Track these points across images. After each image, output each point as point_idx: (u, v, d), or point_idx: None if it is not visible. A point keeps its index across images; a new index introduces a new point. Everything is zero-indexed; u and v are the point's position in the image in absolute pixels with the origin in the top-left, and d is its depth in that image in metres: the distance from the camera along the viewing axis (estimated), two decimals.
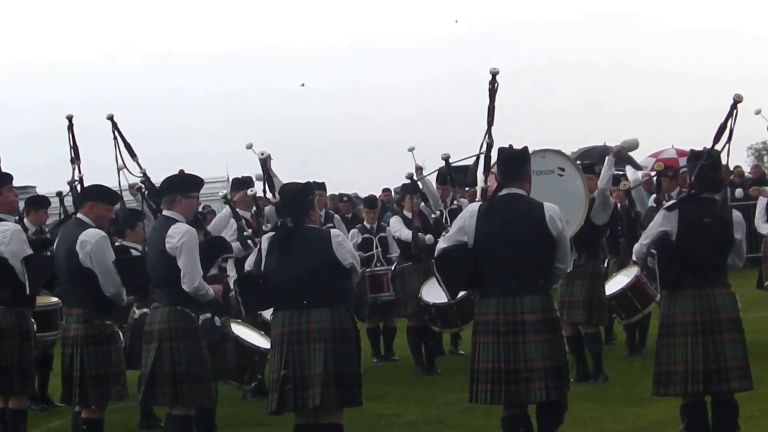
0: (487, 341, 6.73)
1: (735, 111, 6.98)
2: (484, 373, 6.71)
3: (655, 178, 11.29)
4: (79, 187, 8.73)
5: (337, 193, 19.63)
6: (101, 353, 7.76)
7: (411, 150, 11.80)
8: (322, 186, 13.27)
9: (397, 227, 12.06)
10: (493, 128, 8.29)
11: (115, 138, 8.07)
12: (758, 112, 6.95)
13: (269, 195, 7.46)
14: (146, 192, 8.39)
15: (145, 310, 8.43)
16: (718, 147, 7.12)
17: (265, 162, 8.71)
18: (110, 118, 8.14)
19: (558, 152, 9.73)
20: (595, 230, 10.42)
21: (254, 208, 10.60)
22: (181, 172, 7.75)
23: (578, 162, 10.50)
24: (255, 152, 9.42)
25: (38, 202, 10.85)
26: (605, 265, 11.80)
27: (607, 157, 10.41)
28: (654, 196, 11.94)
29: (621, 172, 17.38)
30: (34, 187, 20.22)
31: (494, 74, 8.06)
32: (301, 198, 7.25)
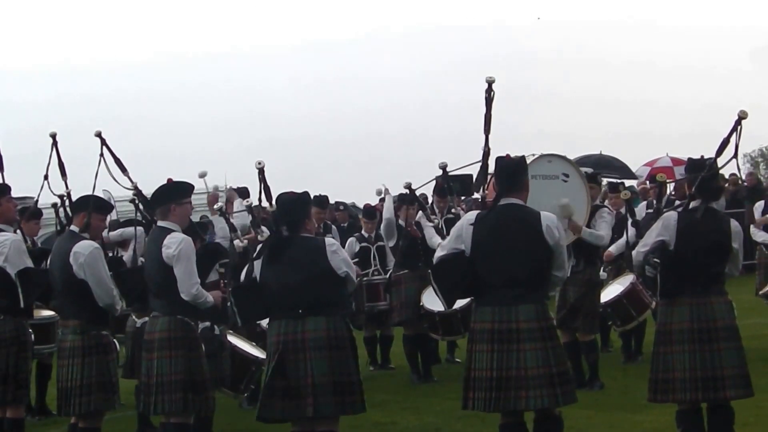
0: (483, 349, 6.74)
1: (740, 127, 6.98)
2: (480, 381, 6.72)
3: (648, 184, 11.29)
4: (67, 202, 8.75)
5: (333, 202, 19.61)
6: (97, 363, 7.79)
7: (380, 193, 11.86)
8: (324, 202, 13.25)
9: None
10: (490, 136, 8.29)
11: (102, 155, 8.10)
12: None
13: (265, 204, 7.49)
14: (139, 204, 8.39)
15: (146, 319, 8.46)
16: (720, 160, 7.13)
17: (262, 171, 8.76)
18: (98, 135, 8.18)
19: (564, 158, 9.74)
20: None
21: (250, 219, 10.63)
22: (170, 180, 7.78)
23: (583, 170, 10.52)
24: (205, 182, 9.68)
25: (32, 214, 10.87)
26: (602, 272, 11.84)
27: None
28: (644, 203, 11.97)
29: (620, 180, 17.48)
30: (32, 198, 20.17)
31: (490, 83, 8.08)
32: (298, 206, 7.28)
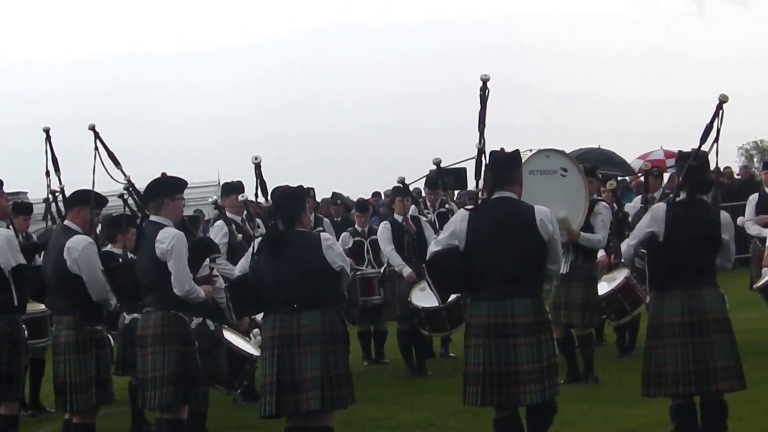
0: (479, 344, 6.74)
1: (721, 111, 6.98)
2: (476, 376, 6.73)
3: (642, 179, 11.27)
4: (60, 197, 8.72)
5: (329, 195, 19.59)
6: (92, 359, 7.78)
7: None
8: (310, 192, 13.28)
9: (384, 247, 12.03)
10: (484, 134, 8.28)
11: (96, 148, 8.07)
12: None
13: (261, 199, 7.48)
14: (129, 198, 8.35)
15: (136, 315, 8.45)
16: (705, 148, 7.13)
17: (258, 166, 8.78)
18: (92, 128, 8.15)
19: (562, 153, 9.74)
20: (593, 233, 10.44)
21: (245, 213, 10.62)
22: (164, 175, 7.76)
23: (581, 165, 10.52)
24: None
25: (22, 209, 10.86)
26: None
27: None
28: (640, 196, 11.96)
29: (611, 173, 17.46)
30: (25, 193, 20.14)
31: (485, 81, 8.09)
32: (293, 201, 7.28)
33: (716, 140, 7.02)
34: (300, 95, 57.94)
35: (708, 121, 6.99)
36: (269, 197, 7.32)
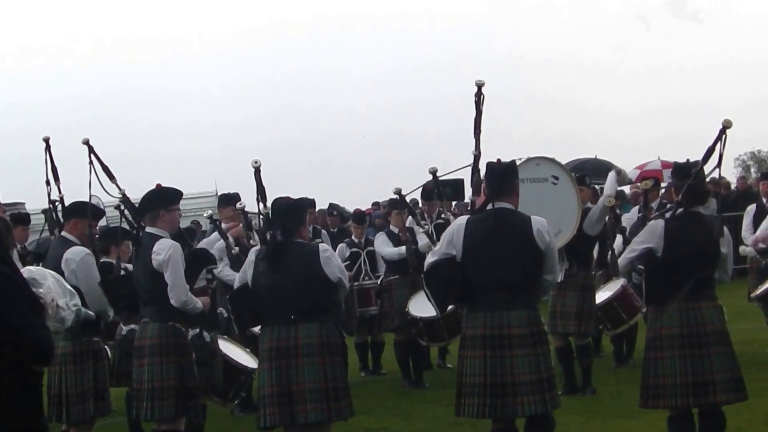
0: (475, 355, 6.73)
1: (724, 136, 6.99)
2: (472, 387, 6.70)
3: (642, 195, 11.28)
4: (60, 207, 8.72)
5: (326, 205, 19.53)
6: (89, 370, 7.77)
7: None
8: (311, 203, 13.27)
9: (383, 249, 12.03)
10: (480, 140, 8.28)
11: (91, 162, 8.07)
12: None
13: (260, 206, 7.48)
14: (125, 211, 8.35)
15: (133, 326, 8.43)
16: (705, 168, 7.14)
17: (258, 171, 8.77)
18: (86, 142, 8.15)
19: (552, 160, 9.72)
20: (587, 241, 10.44)
21: (242, 224, 10.61)
22: (159, 186, 7.76)
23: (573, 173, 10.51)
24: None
25: (20, 220, 10.84)
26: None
27: (610, 174, 10.46)
28: (636, 207, 11.98)
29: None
30: (22, 204, 20.13)
31: (479, 86, 8.09)
32: (293, 212, 7.29)
33: (719, 164, 7.03)
34: (297, 103, 57.89)
35: (711, 144, 7.01)
36: (269, 206, 7.32)
